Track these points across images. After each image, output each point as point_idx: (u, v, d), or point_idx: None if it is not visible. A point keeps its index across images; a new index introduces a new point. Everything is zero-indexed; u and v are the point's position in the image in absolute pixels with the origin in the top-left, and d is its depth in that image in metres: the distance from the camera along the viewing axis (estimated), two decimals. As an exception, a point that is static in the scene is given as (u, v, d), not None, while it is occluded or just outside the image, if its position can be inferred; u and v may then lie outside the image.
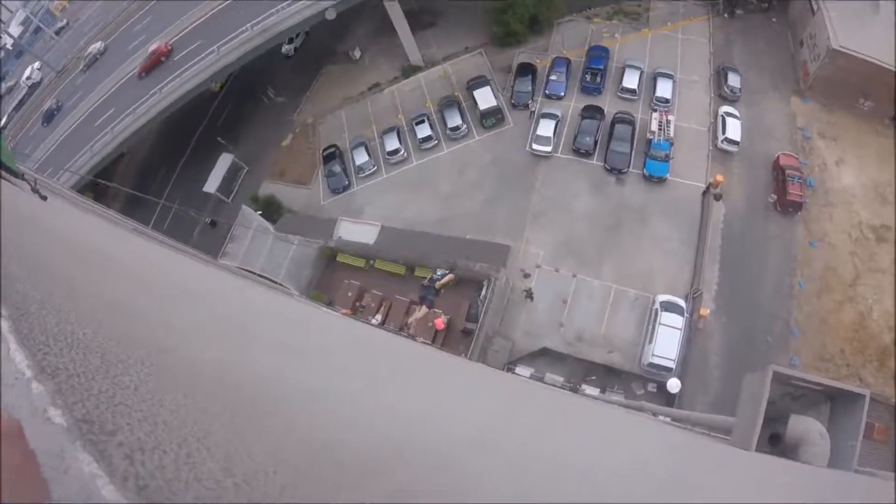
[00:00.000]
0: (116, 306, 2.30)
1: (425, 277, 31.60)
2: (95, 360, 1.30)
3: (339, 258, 34.08)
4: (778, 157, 34.02)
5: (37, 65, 53.66)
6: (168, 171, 45.87)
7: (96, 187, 38.51)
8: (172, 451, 1.14)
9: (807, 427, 7.38)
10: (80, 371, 1.21)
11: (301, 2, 37.09)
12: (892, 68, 32.72)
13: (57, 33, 56.87)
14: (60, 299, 1.75)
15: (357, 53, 45.29)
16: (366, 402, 3.10)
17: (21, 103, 51.60)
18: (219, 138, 43.59)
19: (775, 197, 33.18)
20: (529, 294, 31.40)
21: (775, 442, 7.62)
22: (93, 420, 1.07)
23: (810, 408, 8.19)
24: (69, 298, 1.84)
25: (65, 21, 59.23)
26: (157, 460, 1.08)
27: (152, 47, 41.73)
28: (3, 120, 49.41)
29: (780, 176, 33.06)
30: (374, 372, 4.64)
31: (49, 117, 45.65)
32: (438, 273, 27.65)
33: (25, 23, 62.61)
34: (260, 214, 37.00)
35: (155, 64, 41.11)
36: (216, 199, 41.35)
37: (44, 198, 4.82)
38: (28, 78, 53.28)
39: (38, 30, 60.66)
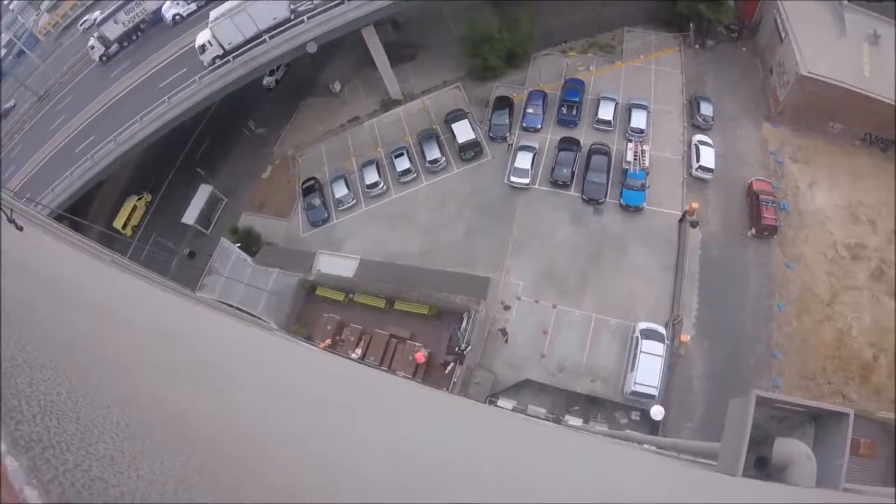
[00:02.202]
0: (94, 354, 2.22)
1: (406, 311, 31.88)
2: (70, 426, 1.25)
3: (319, 291, 33.76)
4: (751, 182, 34.76)
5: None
6: (147, 201, 45.50)
7: (74, 214, 37.92)
8: None
9: (792, 449, 7.35)
10: (54, 442, 1.16)
11: (284, 34, 37.46)
12: (860, 91, 33.79)
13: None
14: (34, 349, 1.68)
15: (337, 86, 45.72)
16: (349, 444, 3.03)
17: None
18: (198, 169, 43.39)
19: (750, 223, 33.75)
20: (504, 332, 31.53)
21: (762, 465, 7.58)
22: (69, 501, 1.02)
23: (795, 429, 8.18)
24: (44, 348, 1.77)
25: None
26: None
27: None
28: None
29: (754, 201, 33.74)
30: (356, 409, 4.56)
31: None
32: (462, 345, 29.58)
33: (9, 45, 62.26)
34: (238, 247, 36.66)
35: None
36: (195, 230, 41.08)
37: (20, 228, 4.69)
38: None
39: (20, 53, 60.23)
